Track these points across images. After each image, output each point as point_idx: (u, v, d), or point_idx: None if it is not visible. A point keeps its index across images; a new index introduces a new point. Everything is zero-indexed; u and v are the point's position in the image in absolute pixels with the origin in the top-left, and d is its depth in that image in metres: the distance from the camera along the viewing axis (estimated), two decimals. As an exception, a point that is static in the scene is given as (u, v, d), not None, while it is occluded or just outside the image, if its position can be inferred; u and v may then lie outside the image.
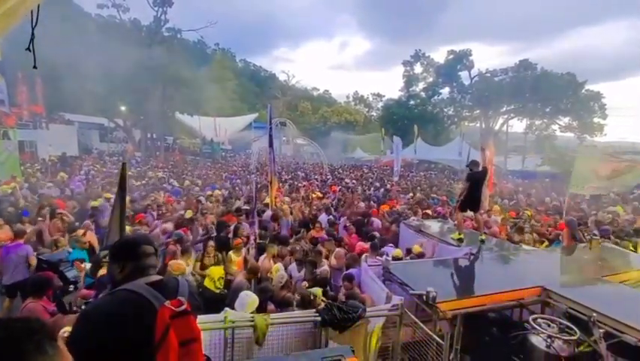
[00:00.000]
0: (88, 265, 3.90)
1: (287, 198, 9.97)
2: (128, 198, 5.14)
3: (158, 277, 1.49)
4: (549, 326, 2.99)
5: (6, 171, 12.87)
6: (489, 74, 34.29)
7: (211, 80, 32.10)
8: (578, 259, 4.97)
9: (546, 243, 6.59)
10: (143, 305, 1.33)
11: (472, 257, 4.69)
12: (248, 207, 8.39)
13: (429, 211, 8.77)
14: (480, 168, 5.69)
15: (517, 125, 35.76)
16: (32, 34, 1.04)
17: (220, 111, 32.49)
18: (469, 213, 6.14)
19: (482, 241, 5.37)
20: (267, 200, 8.32)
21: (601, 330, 2.71)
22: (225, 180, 15.65)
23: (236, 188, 12.71)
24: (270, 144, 7.87)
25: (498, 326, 3.69)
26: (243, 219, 7.10)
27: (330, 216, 7.76)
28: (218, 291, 4.17)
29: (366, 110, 56.73)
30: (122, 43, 23.06)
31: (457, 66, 35.75)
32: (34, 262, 4.41)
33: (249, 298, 3.31)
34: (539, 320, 3.05)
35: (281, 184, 14.31)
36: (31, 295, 2.95)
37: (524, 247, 5.78)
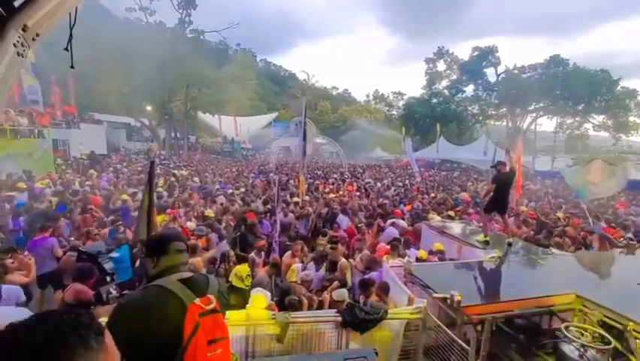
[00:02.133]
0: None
1: (307, 197, 10.00)
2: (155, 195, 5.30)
3: (189, 274, 1.51)
4: (582, 334, 2.84)
5: (42, 168, 13.64)
6: (517, 71, 32.97)
7: (232, 80, 32.68)
8: (613, 264, 4.68)
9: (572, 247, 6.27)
10: (172, 302, 1.35)
11: (498, 260, 4.53)
12: (269, 207, 8.48)
13: (452, 213, 8.52)
14: (507, 169, 5.47)
15: (547, 124, 34.27)
16: (70, 34, 1.08)
17: (240, 111, 33.06)
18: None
19: (510, 244, 5.17)
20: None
21: (638, 340, 2.55)
22: (247, 178, 15.88)
23: (256, 187, 12.86)
24: (304, 138, 8.17)
25: (526, 333, 3.54)
26: (264, 218, 7.18)
27: (348, 218, 7.68)
28: (247, 288, 4.21)
29: (387, 108, 56.06)
30: (148, 45, 23.90)
31: (482, 63, 34.60)
32: (59, 253, 4.65)
33: (254, 294, 3.34)
34: (572, 328, 2.90)
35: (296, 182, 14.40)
36: (76, 281, 3.11)
37: (554, 251, 5.52)
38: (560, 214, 8.89)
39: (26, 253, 4.25)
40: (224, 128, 30.44)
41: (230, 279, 4.23)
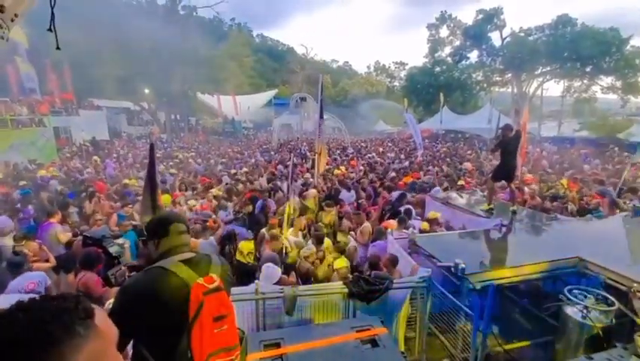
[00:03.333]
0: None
1: (308, 175, 10.01)
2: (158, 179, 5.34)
3: (191, 255, 1.53)
4: (585, 297, 2.90)
5: (45, 157, 13.72)
6: (523, 34, 31.53)
7: (229, 57, 31.86)
8: (618, 228, 4.69)
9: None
10: (175, 282, 1.38)
11: (503, 228, 4.56)
12: (274, 185, 8.52)
13: (462, 182, 8.46)
14: (513, 133, 5.32)
15: (554, 89, 33.25)
16: (52, 13, 1.03)
17: (239, 89, 32.47)
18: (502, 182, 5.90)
19: (514, 212, 5.18)
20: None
21: (642, 301, 2.60)
22: (250, 158, 15.86)
23: (258, 166, 12.88)
24: (321, 116, 8.18)
25: (530, 297, 3.62)
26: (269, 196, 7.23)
27: (352, 192, 7.71)
28: (250, 264, 4.35)
29: (389, 80, 54.68)
30: (139, 25, 23.18)
31: (486, 27, 33.09)
32: (63, 239, 4.78)
33: (270, 270, 3.42)
34: (575, 291, 2.95)
35: (303, 160, 14.36)
36: (84, 268, 3.21)
37: (559, 216, 5.53)
38: (563, 180, 8.83)
39: (37, 240, 4.38)
40: (223, 108, 30.02)
41: (236, 256, 4.38)
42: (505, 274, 3.27)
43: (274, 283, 3.30)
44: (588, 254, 3.44)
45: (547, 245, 4.08)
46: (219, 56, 30.22)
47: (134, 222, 5.30)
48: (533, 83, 32.04)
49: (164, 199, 5.78)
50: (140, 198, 5.26)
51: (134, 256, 3.92)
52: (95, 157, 13.93)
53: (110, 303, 1.82)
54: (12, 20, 0.84)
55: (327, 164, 9.72)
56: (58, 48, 1.09)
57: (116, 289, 1.74)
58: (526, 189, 7.77)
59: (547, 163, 13.07)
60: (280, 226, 5.07)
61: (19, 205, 6.32)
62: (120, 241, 2.64)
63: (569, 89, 31.54)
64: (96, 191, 7.13)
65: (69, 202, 6.50)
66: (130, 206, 5.93)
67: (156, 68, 24.37)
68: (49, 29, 1.09)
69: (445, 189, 7.72)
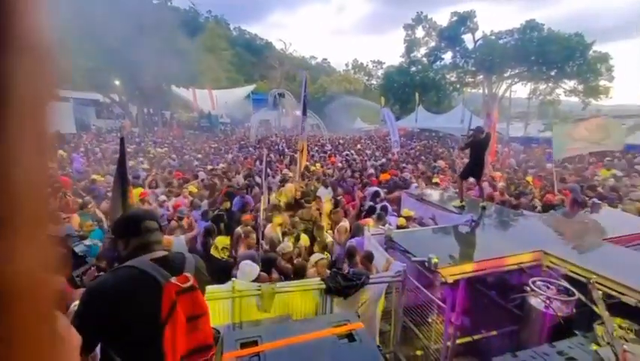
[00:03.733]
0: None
1: (286, 171, 9.97)
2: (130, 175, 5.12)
3: (163, 253, 1.48)
4: (548, 288, 3.08)
5: (4, 150, 12.73)
6: (494, 37, 32.90)
7: (205, 50, 30.99)
8: (579, 223, 5.01)
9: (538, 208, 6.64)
10: (146, 282, 1.34)
11: (473, 224, 4.75)
12: (250, 181, 8.41)
13: (438, 180, 8.72)
14: (484, 135, 5.60)
15: (521, 91, 34.92)
16: None
17: (216, 83, 31.68)
18: (471, 180, 6.14)
19: (484, 208, 5.40)
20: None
21: (600, 291, 2.79)
22: (227, 154, 15.56)
23: (236, 162, 12.66)
24: (304, 113, 8.08)
25: (498, 289, 3.80)
26: (246, 192, 7.13)
27: (329, 189, 7.76)
28: (224, 260, 4.28)
29: (366, 78, 55.25)
30: (111, 13, 22.04)
31: (460, 29, 34.23)
32: None
33: (248, 268, 3.39)
34: (538, 283, 3.13)
35: (281, 157, 14.27)
36: None
37: (525, 212, 5.83)
38: (529, 178, 9.34)
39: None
40: (199, 102, 29.19)
41: (211, 251, 4.30)
42: (475, 268, 3.41)
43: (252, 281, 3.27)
44: (551, 248, 3.66)
45: (514, 239, 4.29)
46: (195, 48, 29.31)
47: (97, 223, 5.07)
48: (503, 85, 33.54)
49: (135, 193, 5.56)
50: (109, 194, 5.03)
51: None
52: (61, 151, 13.13)
53: (75, 305, 1.73)
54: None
55: (306, 161, 9.71)
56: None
57: (81, 291, 1.65)
58: (497, 185, 8.15)
59: (515, 161, 13.74)
60: (256, 222, 5.03)
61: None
62: (87, 242, 2.50)
63: (534, 91, 33.25)
64: (61, 187, 6.74)
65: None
66: (91, 205, 5.64)
67: (128, 59, 23.27)
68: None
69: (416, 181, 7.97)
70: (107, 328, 1.26)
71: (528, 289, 3.10)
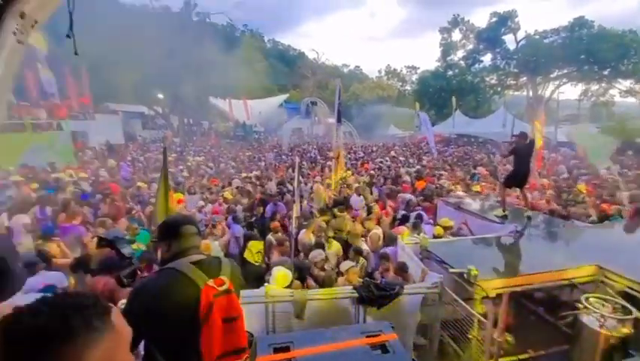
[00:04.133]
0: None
1: (319, 180, 10.01)
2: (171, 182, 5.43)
3: (201, 257, 1.54)
4: (602, 305, 2.81)
5: (63, 160, 14.11)
6: (538, 36, 31.04)
7: (241, 62, 32.28)
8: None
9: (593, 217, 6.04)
10: (186, 284, 1.40)
11: (517, 234, 4.46)
12: (281, 189, 8.55)
13: (479, 187, 8.30)
14: (527, 141, 5.29)
15: (570, 92, 32.53)
16: (71, 20, 1.07)
17: (251, 93, 32.83)
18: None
19: (529, 218, 5.05)
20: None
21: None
22: (261, 161, 16.00)
23: (268, 169, 12.95)
24: (339, 120, 8.30)
25: (546, 305, 3.52)
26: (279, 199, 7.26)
27: (361, 197, 7.66)
28: (257, 264, 4.36)
29: (400, 84, 54.42)
30: (155, 31, 23.80)
31: (500, 30, 32.67)
32: (87, 241, 4.87)
33: (277, 272, 3.41)
34: (592, 300, 2.86)
35: (313, 165, 14.38)
36: (103, 271, 3.26)
37: (577, 223, 5.37)
38: (580, 186, 8.58)
39: (57, 239, 4.49)
40: (235, 112, 30.40)
41: (244, 254, 4.40)
42: (519, 282, 3.19)
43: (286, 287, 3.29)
44: (606, 262, 3.33)
45: (563, 252, 3.96)
46: (232, 61, 30.67)
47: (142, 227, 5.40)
48: (549, 86, 31.44)
49: (176, 197, 5.86)
50: (152, 201, 5.35)
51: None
52: (111, 160, 14.26)
53: (122, 303, 1.84)
54: (32, 27, 0.87)
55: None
56: (76, 53, 1.12)
57: (128, 290, 1.76)
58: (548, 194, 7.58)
59: (565, 168, 12.75)
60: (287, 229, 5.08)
61: (37, 207, 6.49)
62: (134, 245, 2.67)
63: (586, 92, 30.81)
64: (111, 193, 7.29)
65: (83, 203, 6.66)
66: (135, 211, 6.03)
67: (170, 73, 24.91)
68: (68, 35, 1.13)
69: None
70: (150, 325, 1.32)
71: (580, 306, 2.84)
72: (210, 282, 1.40)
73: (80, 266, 4.21)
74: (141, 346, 1.40)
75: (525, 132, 5.65)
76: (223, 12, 33.11)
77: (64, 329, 0.58)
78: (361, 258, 4.49)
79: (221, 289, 1.39)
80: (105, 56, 20.44)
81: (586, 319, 2.79)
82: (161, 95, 28.49)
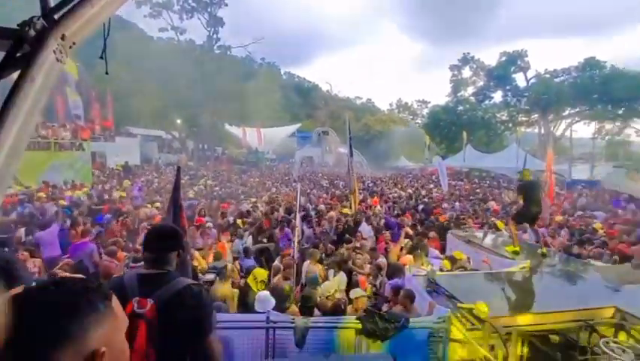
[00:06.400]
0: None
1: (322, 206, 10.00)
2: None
3: (149, 271, 1.53)
4: (624, 351, 2.63)
5: (80, 179, 14.57)
6: (548, 75, 31.56)
7: (258, 93, 33.66)
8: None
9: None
10: (119, 293, 1.37)
11: (530, 271, 4.30)
12: (285, 216, 8.55)
13: (502, 225, 8.10)
14: (531, 178, 5.30)
15: (583, 130, 32.39)
16: (105, 44, 1.19)
17: (264, 122, 33.89)
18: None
19: (544, 255, 4.90)
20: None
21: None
22: (270, 188, 16.16)
23: (278, 196, 13.04)
24: (351, 154, 8.68)
25: (561, 348, 3.32)
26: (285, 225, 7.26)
27: (370, 227, 7.59)
28: (256, 291, 4.29)
29: (411, 117, 55.40)
30: (179, 62, 25.27)
31: (510, 68, 33.41)
32: (97, 259, 4.91)
33: (262, 298, 3.45)
34: (612, 345, 2.69)
35: (326, 195, 14.41)
36: None
37: (593, 262, 5.16)
38: (597, 225, 8.30)
39: (66, 256, 4.56)
40: (248, 139, 31.23)
41: (247, 279, 4.35)
42: (532, 320, 3.05)
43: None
44: (626, 304, 3.16)
45: (580, 292, 3.79)
46: (249, 92, 32.03)
47: None
48: (562, 124, 31.42)
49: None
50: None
51: None
52: (126, 181, 14.66)
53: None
54: (70, 47, 0.98)
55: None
56: (107, 73, 1.23)
57: None
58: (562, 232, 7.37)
59: (578, 205, 12.43)
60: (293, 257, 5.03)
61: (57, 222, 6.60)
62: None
63: (599, 131, 30.62)
64: (123, 212, 7.44)
65: (95, 224, 6.80)
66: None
67: (190, 101, 26.11)
68: (101, 57, 1.25)
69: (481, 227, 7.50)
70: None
71: (599, 351, 2.67)
72: (135, 300, 1.36)
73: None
74: None
75: (528, 169, 5.67)
76: (243, 46, 34.76)
77: (71, 306, 0.62)
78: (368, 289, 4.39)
79: (136, 310, 1.32)
80: (130, 83, 21.67)
81: (606, 366, 2.61)
82: (179, 120, 29.64)
